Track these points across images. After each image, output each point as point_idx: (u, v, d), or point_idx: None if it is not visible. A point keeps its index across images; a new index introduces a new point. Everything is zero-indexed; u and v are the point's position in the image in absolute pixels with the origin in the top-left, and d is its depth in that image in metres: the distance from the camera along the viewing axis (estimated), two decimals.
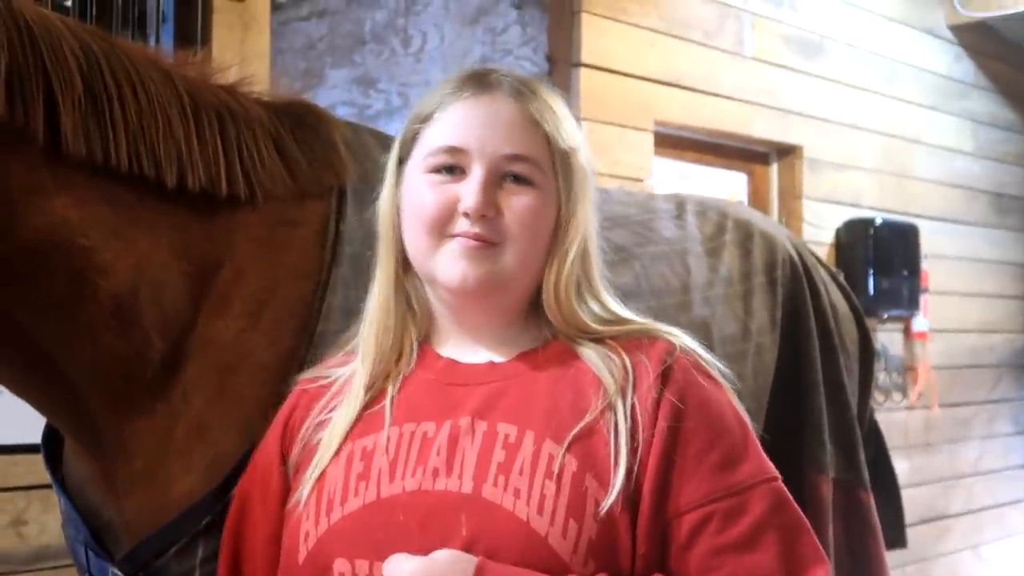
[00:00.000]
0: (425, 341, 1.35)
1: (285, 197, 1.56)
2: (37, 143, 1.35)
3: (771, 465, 1.25)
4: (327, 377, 1.37)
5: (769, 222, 2.41)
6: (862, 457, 2.27)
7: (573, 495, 1.17)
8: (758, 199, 4.34)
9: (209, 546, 1.42)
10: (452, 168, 1.27)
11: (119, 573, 1.48)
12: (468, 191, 1.25)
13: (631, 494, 1.19)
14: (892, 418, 4.50)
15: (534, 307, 1.33)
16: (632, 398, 1.22)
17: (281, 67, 4.54)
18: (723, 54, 4.04)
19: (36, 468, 1.64)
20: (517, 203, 1.27)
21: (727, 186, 4.24)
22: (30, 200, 1.35)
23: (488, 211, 1.25)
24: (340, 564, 1.20)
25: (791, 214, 4.33)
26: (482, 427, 1.23)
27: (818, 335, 2.19)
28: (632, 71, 3.68)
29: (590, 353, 1.28)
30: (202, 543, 1.42)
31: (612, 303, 1.34)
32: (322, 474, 1.27)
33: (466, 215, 1.24)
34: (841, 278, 2.49)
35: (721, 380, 1.29)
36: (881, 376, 4.47)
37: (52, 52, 1.37)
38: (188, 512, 1.43)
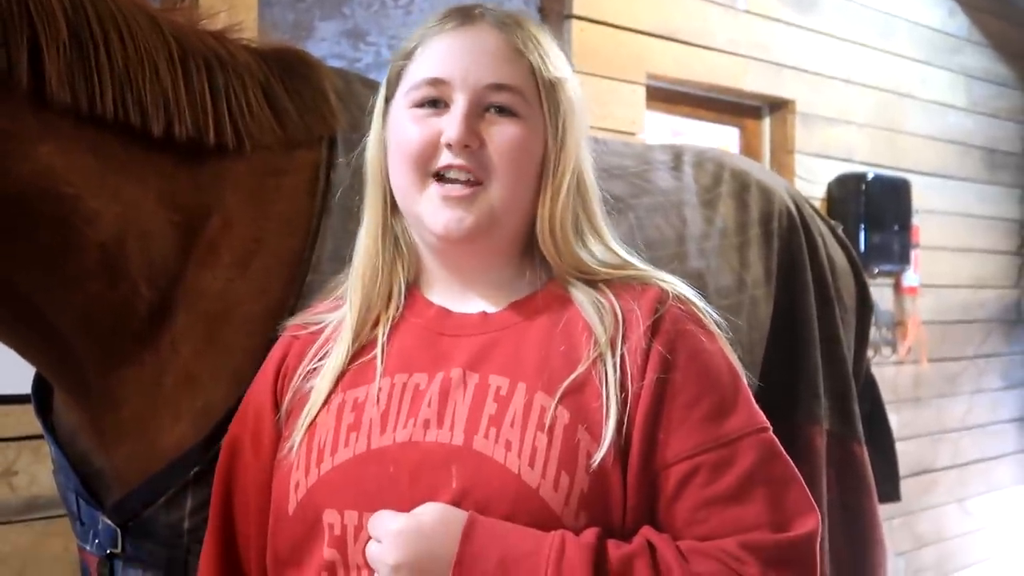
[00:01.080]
0: (414, 285, 1.33)
1: (274, 146, 1.54)
2: (21, 89, 1.33)
3: (762, 416, 1.23)
4: (317, 323, 1.35)
5: (767, 173, 2.39)
6: (856, 410, 2.27)
7: (565, 448, 1.16)
8: (750, 153, 4.31)
9: (198, 496, 1.41)
10: (435, 101, 1.24)
11: (108, 521, 1.47)
12: (450, 122, 1.22)
13: (622, 446, 1.17)
14: (882, 372, 4.49)
15: (528, 249, 1.30)
16: (622, 348, 1.20)
17: (269, 19, 4.48)
18: (717, 7, 4.00)
19: (26, 418, 1.63)
20: (500, 134, 1.23)
21: (719, 140, 4.22)
22: (14, 147, 1.33)
23: (471, 141, 1.21)
24: (330, 515, 1.19)
25: (783, 169, 4.30)
26: (474, 379, 1.21)
27: (815, 287, 2.18)
28: (625, 23, 3.64)
29: (583, 299, 1.25)
30: (191, 493, 1.41)
31: (615, 244, 1.31)
32: (312, 423, 1.25)
33: (448, 146, 1.21)
34: (840, 231, 2.47)
35: (715, 329, 1.26)
36: (871, 331, 4.47)
37: None
38: (177, 462, 1.42)
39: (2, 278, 1.37)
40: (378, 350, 1.27)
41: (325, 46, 4.59)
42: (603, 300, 1.24)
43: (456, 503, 1.14)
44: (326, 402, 1.26)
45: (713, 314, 1.28)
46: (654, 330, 1.21)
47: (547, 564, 1.10)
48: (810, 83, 4.38)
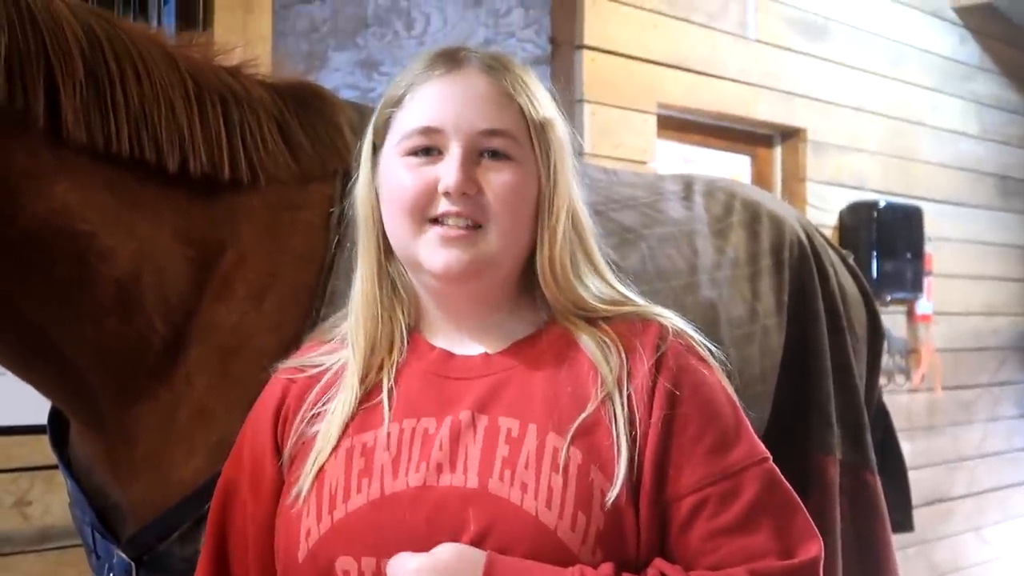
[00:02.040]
0: (415, 329, 1.33)
1: (289, 180, 1.55)
2: (38, 127, 1.34)
3: (762, 446, 1.26)
4: (315, 366, 1.34)
5: (778, 203, 2.40)
6: (869, 439, 2.26)
7: (580, 487, 1.17)
8: (762, 182, 4.31)
9: None
10: (428, 149, 1.24)
11: (123, 555, 1.47)
12: (447, 170, 1.22)
13: (634, 483, 1.19)
14: (895, 401, 4.48)
15: (526, 291, 1.31)
16: (628, 387, 1.22)
17: (283, 50, 4.52)
18: (727, 36, 4.02)
19: (39, 448, 1.64)
20: (497, 179, 1.24)
21: (731, 169, 4.22)
22: (30, 185, 1.34)
23: (468, 188, 1.22)
24: (344, 562, 1.19)
25: (795, 197, 4.31)
26: (483, 421, 1.22)
27: (826, 317, 2.18)
28: (635, 53, 3.66)
29: (587, 340, 1.26)
30: (205, 527, 1.41)
31: (613, 279, 1.33)
32: (321, 470, 1.25)
33: (447, 194, 1.22)
34: (851, 260, 2.48)
35: (712, 362, 1.29)
36: (884, 359, 4.45)
37: (53, 35, 1.35)
38: (191, 496, 1.43)
39: (18, 313, 1.38)
40: (384, 395, 1.27)
41: (339, 76, 4.63)
42: (606, 339, 1.26)
43: (476, 546, 1.15)
44: (334, 448, 1.26)
45: (710, 346, 1.30)
46: (658, 367, 1.23)
47: None
48: (821, 111, 4.39)
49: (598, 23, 3.55)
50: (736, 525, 1.19)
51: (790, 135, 4.35)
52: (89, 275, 1.39)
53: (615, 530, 1.17)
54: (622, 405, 1.21)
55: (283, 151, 1.54)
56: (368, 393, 1.28)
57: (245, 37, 2.74)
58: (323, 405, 1.29)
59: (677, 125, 3.95)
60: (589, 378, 1.23)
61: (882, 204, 4.48)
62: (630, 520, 1.18)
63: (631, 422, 1.20)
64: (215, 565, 1.32)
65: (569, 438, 1.19)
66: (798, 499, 1.25)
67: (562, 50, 3.54)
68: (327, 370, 1.32)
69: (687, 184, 2.20)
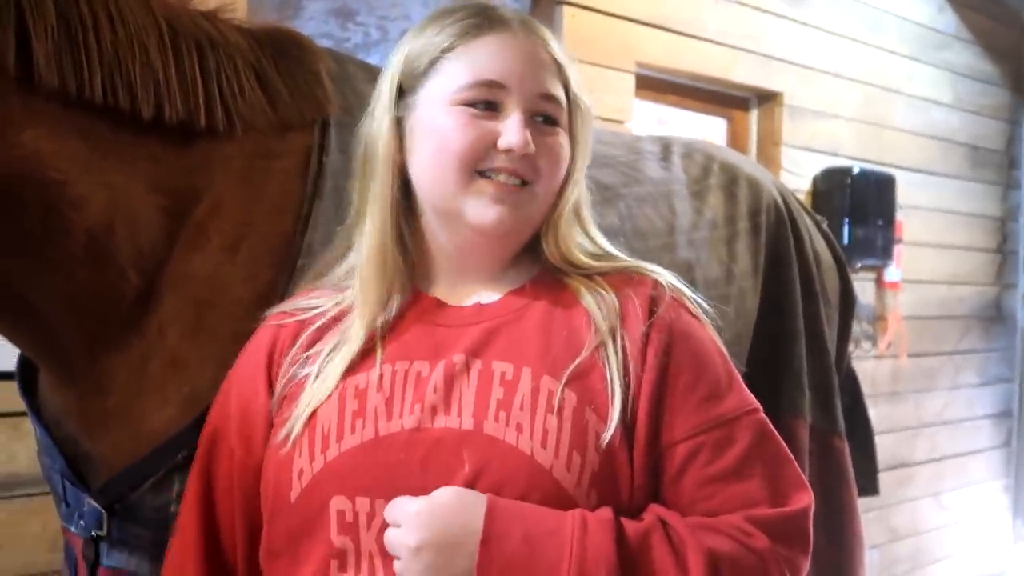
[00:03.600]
0: (414, 281, 1.33)
1: (266, 129, 1.52)
2: (8, 74, 1.31)
3: (752, 397, 1.29)
4: (308, 309, 1.34)
5: (755, 166, 2.40)
6: (838, 405, 2.28)
7: (575, 428, 1.19)
8: (737, 145, 4.31)
9: (185, 480, 1.40)
10: (487, 103, 1.26)
11: (95, 504, 1.46)
12: (512, 129, 1.24)
13: (628, 427, 1.21)
14: (861, 366, 4.50)
15: (526, 242, 1.34)
16: (622, 335, 1.25)
17: None
18: None
19: (5, 395, 1.61)
20: (549, 143, 1.28)
21: (706, 131, 4.22)
22: (0, 132, 1.30)
23: (531, 149, 1.25)
24: (338, 502, 1.19)
25: (769, 161, 4.31)
26: (477, 365, 1.24)
27: (800, 282, 2.18)
28: (616, 11, 3.63)
29: (580, 289, 1.30)
30: (178, 477, 1.41)
31: (600, 238, 1.37)
32: (313, 411, 1.25)
33: (507, 151, 1.24)
34: (825, 226, 2.48)
35: (703, 317, 1.32)
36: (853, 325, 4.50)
37: None
38: (163, 446, 1.42)
39: None
40: (378, 336, 1.28)
41: (312, 25, 4.56)
42: (600, 289, 1.29)
43: (470, 486, 1.16)
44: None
45: (701, 302, 1.33)
46: (651, 317, 1.26)
47: (572, 540, 1.13)
48: (799, 76, 4.38)
49: None
50: (730, 472, 1.21)
51: (767, 99, 4.34)
52: (60, 224, 1.36)
53: (609, 472, 1.19)
54: (616, 352, 1.23)
55: (260, 99, 1.51)
56: (363, 339, 1.29)
57: None
58: (316, 347, 1.30)
59: (655, 85, 3.93)
60: (583, 324, 1.26)
61: (856, 171, 4.49)
62: (624, 464, 1.20)
63: (625, 368, 1.23)
64: (201, 512, 1.32)
65: (564, 381, 1.21)
66: (788, 450, 1.28)
67: (542, 5, 3.51)
68: (321, 313, 1.33)
69: (665, 145, 2.20)
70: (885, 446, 4.65)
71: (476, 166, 1.25)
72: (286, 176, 1.52)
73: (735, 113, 4.34)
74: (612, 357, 1.23)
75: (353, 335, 1.29)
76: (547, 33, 1.33)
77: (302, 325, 1.33)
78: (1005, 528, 5.73)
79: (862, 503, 2.39)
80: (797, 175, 4.38)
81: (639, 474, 1.21)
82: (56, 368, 1.48)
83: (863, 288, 4.64)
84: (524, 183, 1.26)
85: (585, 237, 1.34)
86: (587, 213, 1.36)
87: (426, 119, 1.28)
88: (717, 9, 4.02)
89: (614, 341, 1.24)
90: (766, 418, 1.28)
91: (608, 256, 1.35)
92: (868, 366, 4.68)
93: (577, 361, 1.22)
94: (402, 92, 1.31)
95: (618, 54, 3.63)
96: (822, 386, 2.24)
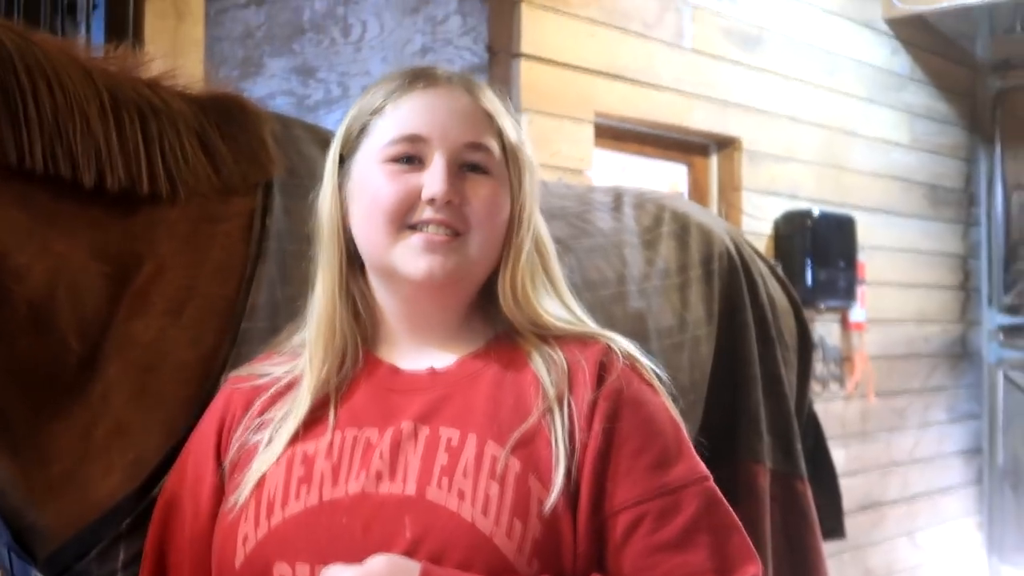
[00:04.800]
0: (367, 345, 1.33)
1: (209, 193, 1.53)
2: None
3: (703, 466, 1.27)
4: (262, 375, 1.34)
5: (707, 214, 2.42)
6: (799, 448, 2.29)
7: (517, 495, 1.18)
8: (698, 191, 4.35)
9: (131, 548, 1.39)
10: (411, 158, 1.27)
11: None
12: (433, 179, 1.25)
13: (572, 494, 1.20)
14: (829, 408, 4.54)
15: (479, 306, 1.34)
16: (570, 400, 1.24)
17: (218, 55, 4.47)
18: (663, 45, 4.04)
19: None
20: (478, 191, 1.28)
21: (667, 178, 4.25)
22: None
23: (454, 197, 1.25)
24: (280, 568, 1.19)
25: (730, 206, 4.35)
26: (424, 432, 1.23)
27: (755, 327, 2.20)
28: (572, 62, 3.67)
29: (533, 353, 1.29)
30: (123, 545, 1.39)
31: (572, 302, 1.36)
32: (262, 477, 1.25)
33: (431, 202, 1.24)
34: (779, 270, 2.51)
35: (656, 384, 1.31)
36: (819, 366, 4.51)
37: None
38: (108, 514, 1.40)
39: None
40: (331, 406, 1.28)
41: (275, 82, 4.59)
42: (552, 354, 1.28)
43: (410, 553, 1.15)
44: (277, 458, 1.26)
45: (656, 369, 1.32)
46: (600, 382, 1.25)
47: None
48: (756, 120, 4.43)
49: (535, 31, 3.56)
50: (674, 542, 1.20)
51: (725, 144, 4.38)
52: (1, 296, 1.35)
53: (552, 540, 1.18)
54: (562, 418, 1.22)
55: (203, 163, 1.52)
56: (315, 406, 1.29)
57: (177, 44, 2.70)
58: (268, 414, 1.30)
59: (614, 134, 3.96)
60: (531, 390, 1.25)
61: (816, 213, 4.53)
62: (567, 531, 1.19)
63: (570, 435, 1.22)
64: None
65: (509, 447, 1.20)
66: (737, 519, 1.26)
67: (499, 58, 3.54)
68: (276, 380, 1.33)
69: (617, 196, 2.22)
70: (857, 486, 4.67)
71: (404, 220, 1.26)
72: (229, 239, 1.52)
73: (695, 159, 4.38)
74: (558, 423, 1.22)
75: (302, 399, 1.29)
76: (481, 87, 1.34)
77: (256, 391, 1.33)
78: (981, 565, 5.72)
79: (838, 545, 2.39)
80: (758, 219, 4.41)
81: (583, 541, 1.20)
82: None
83: (828, 329, 4.67)
84: (457, 234, 1.26)
85: (556, 301, 1.34)
86: (558, 273, 1.36)
87: (358, 180, 1.30)
88: (672, 57, 4.07)
89: (560, 407, 1.23)
90: (715, 487, 1.26)
91: (575, 321, 1.33)
92: (837, 407, 4.70)
93: (523, 428, 1.22)
94: (343, 159, 1.33)
95: (576, 104, 3.67)
96: (782, 429, 2.24)
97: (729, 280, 2.19)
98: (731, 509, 1.26)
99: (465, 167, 1.28)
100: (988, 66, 5.77)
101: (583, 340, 1.30)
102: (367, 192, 1.28)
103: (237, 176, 1.55)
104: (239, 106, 1.60)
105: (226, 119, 1.57)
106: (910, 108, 5.33)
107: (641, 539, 1.19)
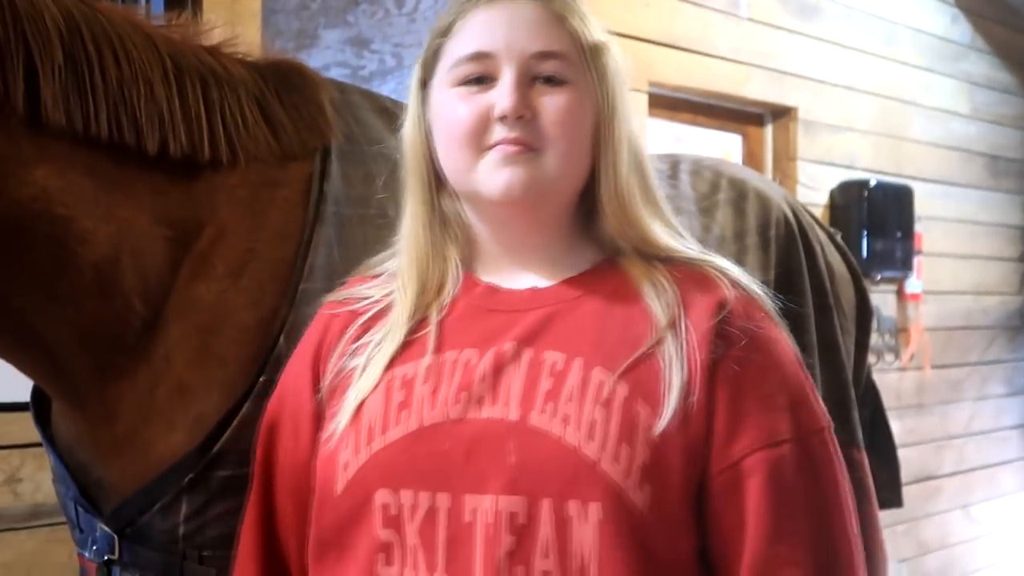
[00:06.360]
0: (467, 268, 1.31)
1: (269, 159, 1.54)
2: (17, 114, 1.33)
3: (825, 411, 1.23)
4: (360, 299, 1.32)
5: (765, 181, 2.39)
6: (856, 417, 2.26)
7: (624, 420, 1.14)
8: (752, 161, 4.32)
9: (192, 503, 1.42)
10: (481, 78, 1.22)
11: (107, 529, 1.48)
12: (501, 95, 1.20)
13: (684, 421, 1.15)
14: (885, 379, 4.50)
15: (582, 227, 1.29)
16: (684, 331, 1.19)
17: (274, 28, 4.50)
18: (719, 14, 4.01)
19: (30, 426, 1.64)
20: (552, 103, 1.21)
21: (722, 148, 4.23)
22: (10, 171, 1.33)
23: (524, 112, 1.19)
24: (383, 495, 1.17)
25: (785, 176, 4.31)
26: (527, 354, 1.20)
27: (813, 295, 2.17)
28: (627, 31, 3.65)
29: (641, 279, 1.24)
30: (185, 500, 1.42)
31: (675, 221, 1.31)
32: (361, 403, 1.23)
33: (502, 119, 1.19)
34: (839, 238, 2.48)
35: (776, 318, 1.26)
36: (874, 338, 4.46)
37: (32, 21, 1.34)
38: (171, 470, 1.43)
39: None
40: (432, 328, 1.25)
41: (329, 54, 4.61)
42: (664, 281, 1.23)
43: (513, 479, 1.13)
44: (375, 383, 1.23)
45: (771, 302, 1.27)
46: (717, 315, 1.20)
47: None
48: (813, 90, 4.39)
49: (591, 1, 3.54)
50: (800, 486, 1.17)
51: (781, 114, 4.35)
52: (68, 259, 1.39)
53: (661, 465, 1.14)
54: (677, 347, 1.17)
55: (263, 130, 1.53)
56: (413, 329, 1.26)
57: (234, 15, 2.72)
58: (365, 338, 1.28)
59: (668, 104, 3.94)
60: (641, 318, 1.21)
61: (872, 183, 4.48)
62: (678, 457, 1.15)
63: (684, 364, 1.16)
64: (262, 502, 1.31)
65: (617, 374, 1.16)
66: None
67: None
68: (372, 304, 1.31)
69: (673, 163, 2.20)
70: (911, 459, 4.63)
71: (481, 143, 1.21)
72: (288, 204, 1.54)
73: (750, 129, 4.35)
74: (671, 350, 1.17)
75: (397, 325, 1.26)
76: None
77: (354, 315, 1.31)
78: None
79: (891, 516, 2.38)
80: (813, 189, 4.38)
81: (694, 469, 1.15)
82: (66, 397, 1.51)
83: (884, 300, 4.62)
84: (533, 150, 1.21)
85: (659, 218, 1.27)
86: (656, 187, 1.29)
87: (435, 106, 1.27)
88: (728, 26, 4.03)
89: (675, 336, 1.18)
90: (835, 437, 1.23)
91: (681, 243, 1.27)
92: (892, 378, 4.66)
93: (634, 356, 1.17)
94: (424, 83, 1.30)
95: (631, 74, 3.64)
96: (839, 398, 2.22)
97: (786, 247, 2.16)
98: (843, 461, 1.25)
99: (539, 79, 1.21)
100: None
101: (696, 267, 1.25)
102: (442, 118, 1.25)
103: (296, 142, 1.57)
104: (298, 73, 1.62)
105: (285, 86, 1.58)
106: (970, 77, 5.25)
107: (769, 481, 1.14)
